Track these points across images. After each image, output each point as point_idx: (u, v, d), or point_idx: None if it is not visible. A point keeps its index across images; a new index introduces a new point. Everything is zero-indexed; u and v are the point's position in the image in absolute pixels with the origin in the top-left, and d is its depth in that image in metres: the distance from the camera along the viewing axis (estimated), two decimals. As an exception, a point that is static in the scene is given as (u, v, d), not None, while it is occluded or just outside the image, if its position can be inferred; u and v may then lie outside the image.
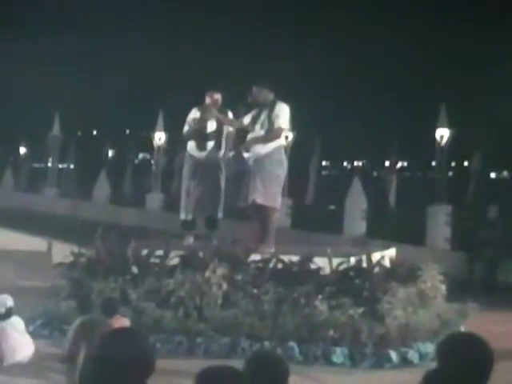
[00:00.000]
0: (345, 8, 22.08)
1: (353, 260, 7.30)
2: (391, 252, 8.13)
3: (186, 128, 8.53)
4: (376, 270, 7.24)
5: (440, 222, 13.42)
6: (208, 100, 8.44)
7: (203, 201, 8.34)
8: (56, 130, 24.63)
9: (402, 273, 7.28)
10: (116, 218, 18.63)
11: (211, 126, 8.42)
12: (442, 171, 15.92)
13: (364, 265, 7.24)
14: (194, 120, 8.43)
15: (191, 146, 8.47)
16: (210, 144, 8.40)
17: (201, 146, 8.39)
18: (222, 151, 8.46)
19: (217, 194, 8.41)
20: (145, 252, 7.57)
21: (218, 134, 8.41)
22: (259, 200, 7.67)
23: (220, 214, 8.47)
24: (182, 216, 8.49)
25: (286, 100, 7.97)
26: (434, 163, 17.86)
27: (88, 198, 22.26)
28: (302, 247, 8.10)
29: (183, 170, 8.64)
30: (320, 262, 7.22)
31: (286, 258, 7.30)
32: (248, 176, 7.89)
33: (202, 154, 8.38)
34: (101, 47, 26.88)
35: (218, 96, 8.50)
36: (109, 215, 19.12)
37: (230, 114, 8.43)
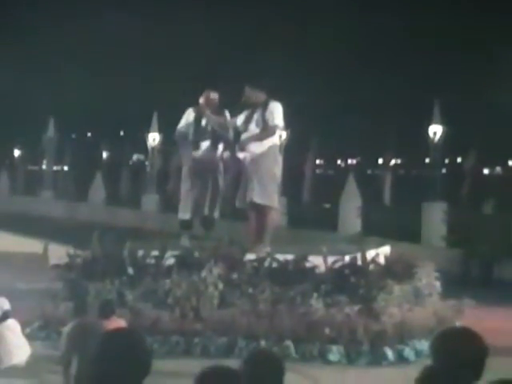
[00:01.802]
0: (343, 6, 22.10)
1: (348, 258, 7.31)
2: (386, 249, 8.14)
3: (178, 127, 8.51)
4: (371, 267, 7.24)
5: (435, 219, 13.44)
6: (202, 100, 8.40)
7: (201, 200, 8.33)
8: (51, 132, 24.58)
9: (398, 270, 7.29)
10: (112, 219, 18.60)
11: (208, 125, 8.40)
12: (436, 168, 15.96)
13: (359, 262, 7.24)
14: (188, 121, 8.41)
15: (190, 145, 8.46)
16: (207, 144, 8.39)
17: (198, 146, 8.38)
18: (220, 151, 8.45)
19: (215, 193, 8.40)
20: (141, 253, 7.56)
21: (214, 133, 8.39)
22: (257, 199, 7.69)
23: (216, 214, 8.47)
24: (180, 215, 8.49)
25: (279, 98, 7.97)
26: (428, 160, 17.89)
27: (84, 199, 22.23)
28: (297, 246, 8.10)
29: (182, 170, 8.61)
30: (315, 261, 7.22)
31: (281, 256, 7.31)
32: (245, 175, 7.90)
33: (200, 154, 8.37)
34: (95, 49, 26.84)
35: (213, 96, 8.44)
36: (104, 217, 19.09)
37: (228, 114, 8.40)
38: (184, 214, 8.43)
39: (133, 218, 19.31)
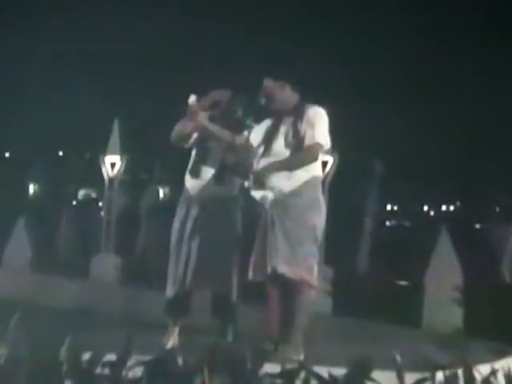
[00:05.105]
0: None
1: (441, 375, 7.23)
2: (508, 363, 8.10)
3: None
4: (482, 392, 7.18)
5: None
6: (192, 100, 8.44)
7: (204, 270, 8.36)
8: None
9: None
10: (41, 295, 18.64)
11: (211, 142, 8.50)
12: None
13: (461, 383, 7.16)
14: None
15: (187, 176, 8.56)
16: (210, 172, 8.42)
17: (198, 174, 8.42)
18: (235, 186, 8.52)
19: (229, 258, 8.45)
20: (87, 355, 7.54)
21: (222, 155, 8.44)
22: (282, 268, 7.74)
23: (234, 293, 8.49)
24: (167, 291, 8.59)
25: (322, 104, 8.04)
26: None
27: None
28: (350, 351, 8.00)
29: (176, 216, 8.67)
30: (383, 378, 7.15)
31: (323, 370, 7.20)
32: (264, 229, 7.93)
33: (199, 188, 8.44)
34: (27, 24, 27.64)
35: (219, 96, 8.53)
36: (30, 291, 19.15)
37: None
38: (170, 289, 8.51)
39: (76, 293, 19.32)
